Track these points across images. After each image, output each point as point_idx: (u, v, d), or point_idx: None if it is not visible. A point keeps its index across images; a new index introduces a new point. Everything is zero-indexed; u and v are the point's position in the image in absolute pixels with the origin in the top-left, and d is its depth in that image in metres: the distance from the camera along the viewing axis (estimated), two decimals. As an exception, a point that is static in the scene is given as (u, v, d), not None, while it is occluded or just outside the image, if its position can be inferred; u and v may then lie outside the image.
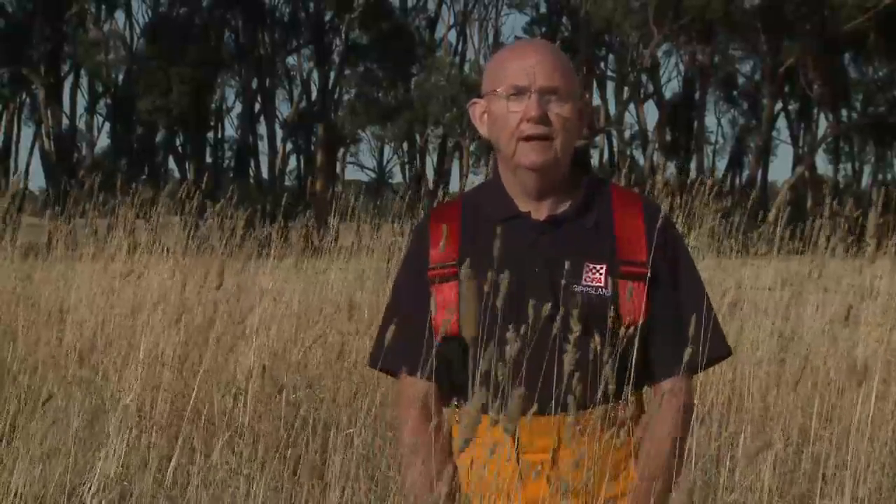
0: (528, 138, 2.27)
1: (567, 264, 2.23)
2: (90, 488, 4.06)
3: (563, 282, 2.22)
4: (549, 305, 2.12)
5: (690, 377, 2.32)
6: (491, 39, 48.37)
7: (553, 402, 2.15)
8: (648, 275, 2.26)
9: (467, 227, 2.34)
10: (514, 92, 2.28)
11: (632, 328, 2.21)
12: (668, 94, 45.75)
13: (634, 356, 2.21)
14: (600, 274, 2.26)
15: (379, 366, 2.35)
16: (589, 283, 2.25)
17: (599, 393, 2.17)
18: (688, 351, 2.20)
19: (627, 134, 46.35)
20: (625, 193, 2.38)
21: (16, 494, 4.03)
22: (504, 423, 1.93)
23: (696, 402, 2.38)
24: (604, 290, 2.24)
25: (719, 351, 2.33)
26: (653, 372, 2.28)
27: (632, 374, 2.22)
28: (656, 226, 2.29)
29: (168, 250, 7.18)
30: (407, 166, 46.65)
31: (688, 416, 2.30)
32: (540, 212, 2.32)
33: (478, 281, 2.03)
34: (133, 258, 7.09)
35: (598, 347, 2.17)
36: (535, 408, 2.11)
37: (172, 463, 4.43)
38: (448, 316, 2.26)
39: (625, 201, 2.34)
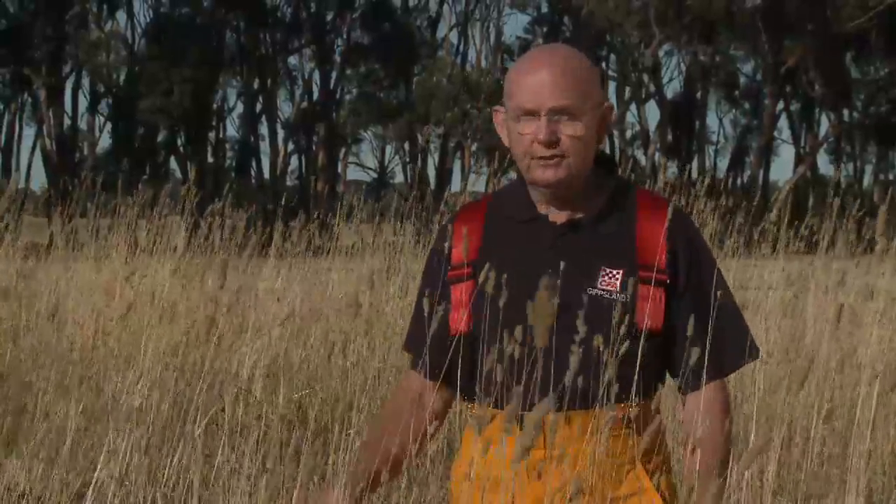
0: (540, 157, 2.25)
1: (583, 267, 2.23)
2: (93, 489, 4.06)
3: (577, 284, 2.21)
4: (568, 307, 2.13)
5: (724, 383, 2.33)
6: (493, 40, 48.42)
7: (561, 401, 2.15)
8: (668, 281, 2.25)
9: (489, 228, 2.34)
10: (523, 113, 2.25)
11: (649, 333, 2.21)
12: (669, 95, 45.81)
13: (648, 361, 2.21)
14: (616, 279, 2.24)
15: (408, 349, 2.45)
16: (604, 288, 2.24)
17: (609, 394, 2.18)
18: (720, 357, 2.25)
19: (629, 134, 46.39)
20: (651, 199, 2.36)
21: (18, 494, 4.03)
22: (504, 422, 1.95)
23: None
24: (619, 294, 2.23)
25: (750, 354, 2.32)
26: (684, 381, 2.28)
27: (646, 378, 2.22)
28: (679, 232, 2.28)
29: (169, 250, 7.18)
30: (408, 166, 46.67)
31: (728, 423, 2.30)
32: (559, 215, 2.31)
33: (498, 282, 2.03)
34: (134, 258, 7.09)
35: (610, 350, 2.17)
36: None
37: (174, 463, 4.43)
38: (461, 315, 2.28)
39: (650, 207, 2.32)
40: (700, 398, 2.29)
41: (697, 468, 2.27)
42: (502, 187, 2.48)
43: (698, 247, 2.34)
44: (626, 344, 2.17)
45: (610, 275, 2.25)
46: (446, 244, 2.37)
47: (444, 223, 2.49)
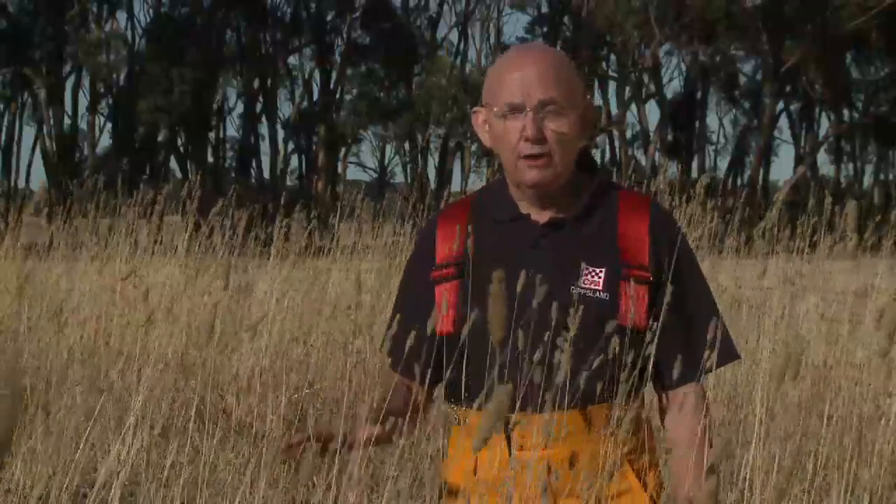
0: (527, 156, 2.25)
1: (565, 266, 2.23)
2: (94, 489, 4.08)
3: (560, 283, 2.21)
4: (551, 306, 2.13)
5: (701, 382, 2.32)
6: (493, 39, 48.41)
7: (545, 400, 2.16)
8: (651, 279, 2.24)
9: (473, 227, 2.32)
10: (509, 110, 2.24)
11: (632, 332, 2.21)
12: (669, 94, 45.80)
13: (631, 359, 2.20)
14: (599, 278, 2.24)
15: (385, 351, 2.41)
16: (587, 287, 2.24)
17: (593, 393, 2.19)
18: (699, 357, 2.23)
19: (629, 134, 46.39)
20: (633, 198, 2.35)
21: (19, 494, 4.05)
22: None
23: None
24: (602, 293, 2.23)
25: (728, 356, 2.32)
26: (663, 380, 2.28)
27: (630, 376, 2.22)
28: (661, 230, 2.28)
29: (170, 250, 7.20)
30: (409, 166, 46.68)
31: (707, 420, 2.30)
32: (542, 214, 2.31)
33: (491, 284, 2.01)
34: (134, 258, 7.11)
35: (593, 350, 2.18)
36: (522, 406, 2.14)
37: (175, 462, 4.45)
38: (446, 314, 2.27)
39: (632, 205, 2.32)
40: (678, 398, 2.29)
41: (675, 468, 2.26)
42: (485, 186, 2.47)
43: (681, 246, 2.32)
44: (610, 343, 2.17)
45: (592, 273, 2.25)
46: (429, 243, 2.37)
47: (425, 223, 2.48)
